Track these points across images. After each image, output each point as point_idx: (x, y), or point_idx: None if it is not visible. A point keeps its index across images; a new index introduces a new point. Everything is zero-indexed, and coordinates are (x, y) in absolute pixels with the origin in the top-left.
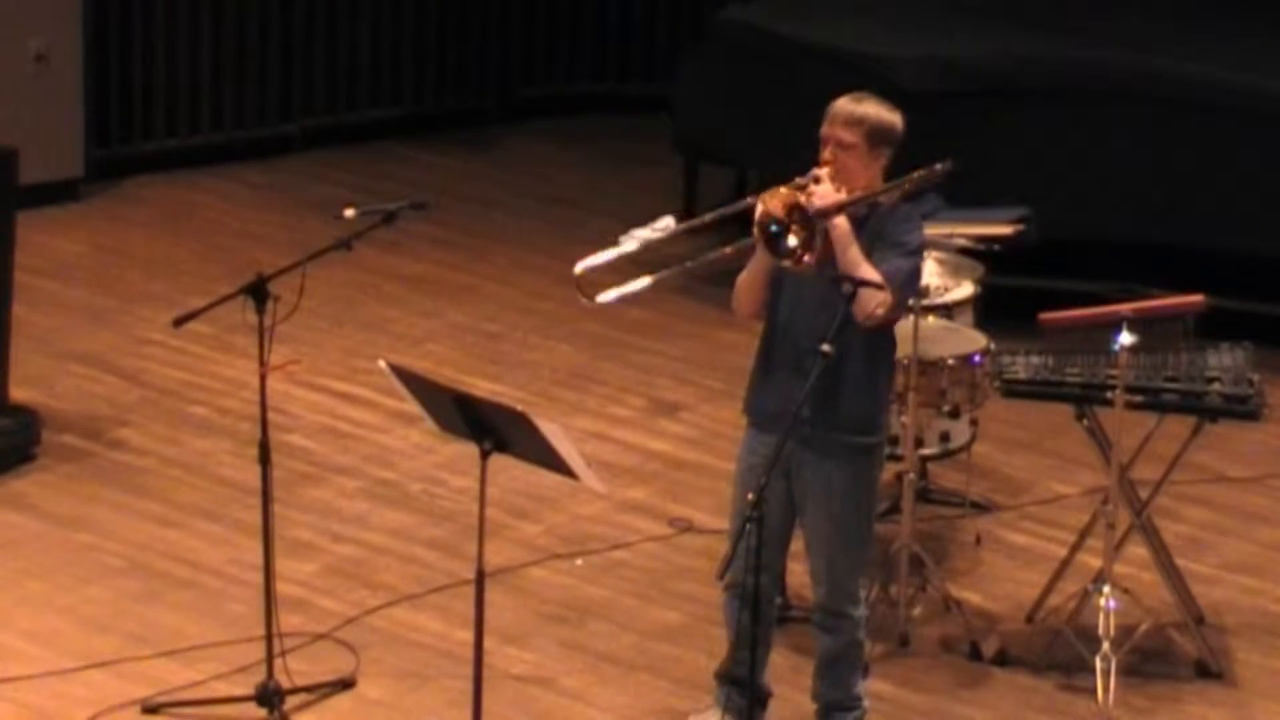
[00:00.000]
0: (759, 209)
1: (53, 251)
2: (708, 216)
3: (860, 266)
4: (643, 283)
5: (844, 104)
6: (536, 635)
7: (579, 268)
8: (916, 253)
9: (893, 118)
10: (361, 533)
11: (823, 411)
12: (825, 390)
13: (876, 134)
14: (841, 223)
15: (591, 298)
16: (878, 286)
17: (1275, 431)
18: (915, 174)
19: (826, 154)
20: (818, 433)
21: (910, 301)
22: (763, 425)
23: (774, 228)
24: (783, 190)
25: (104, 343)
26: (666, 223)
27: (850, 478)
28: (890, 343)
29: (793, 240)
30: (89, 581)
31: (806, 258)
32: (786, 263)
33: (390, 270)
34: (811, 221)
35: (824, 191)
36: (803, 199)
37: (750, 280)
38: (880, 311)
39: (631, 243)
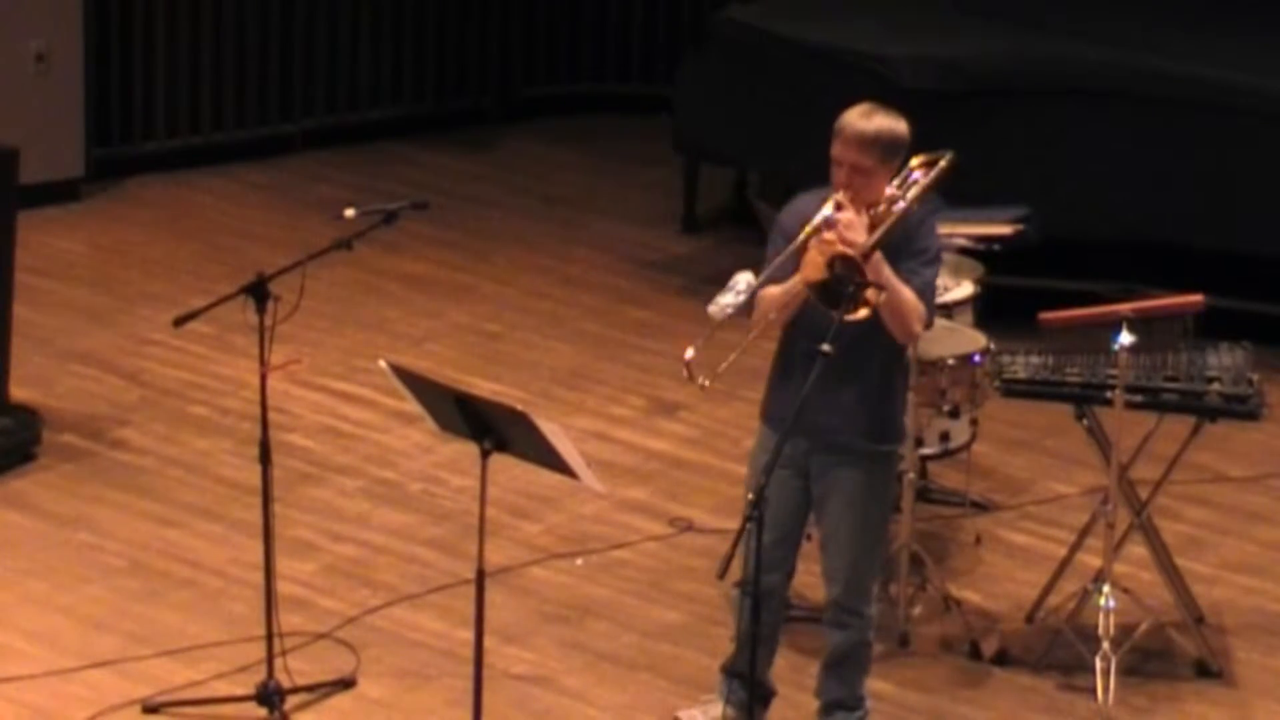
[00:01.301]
0: (805, 278)
1: (53, 251)
2: (762, 277)
3: (899, 290)
4: (732, 357)
5: (854, 123)
6: (536, 635)
7: (689, 354)
8: (938, 258)
9: (901, 126)
10: (362, 532)
11: (847, 419)
12: (848, 398)
13: (890, 149)
14: (876, 254)
15: (699, 380)
16: (879, 288)
17: (1275, 431)
18: (926, 177)
19: (842, 177)
20: (841, 439)
21: None
22: (779, 428)
23: (828, 287)
24: (813, 252)
25: (104, 343)
26: (746, 280)
27: (874, 481)
28: (901, 350)
29: (853, 288)
30: (89, 581)
31: (870, 300)
32: (857, 309)
33: (390, 270)
34: (858, 264)
35: (850, 220)
36: (841, 249)
37: (784, 301)
38: (919, 327)
39: (724, 312)
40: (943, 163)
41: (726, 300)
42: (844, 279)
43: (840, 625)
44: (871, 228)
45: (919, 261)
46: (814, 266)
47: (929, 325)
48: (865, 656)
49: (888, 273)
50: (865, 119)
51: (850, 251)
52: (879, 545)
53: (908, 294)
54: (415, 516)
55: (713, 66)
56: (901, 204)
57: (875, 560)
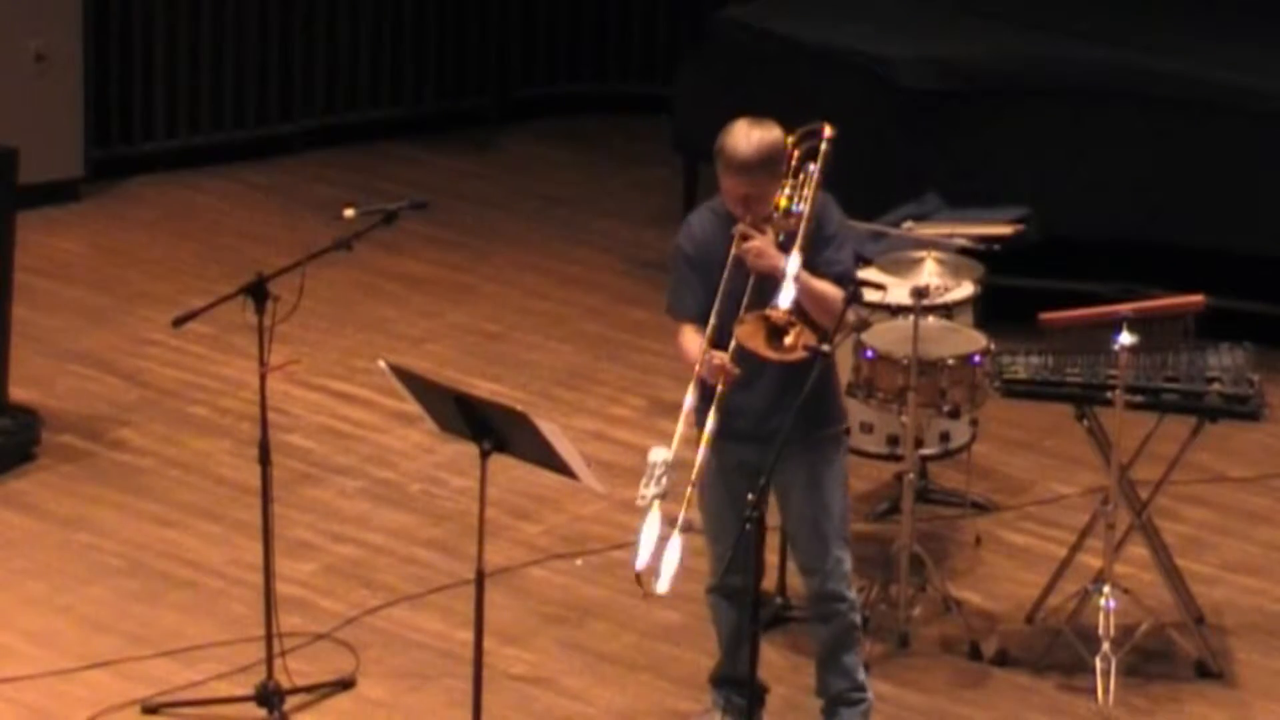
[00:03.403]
0: (754, 350)
1: (53, 251)
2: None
3: (825, 295)
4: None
5: (735, 152)
6: (536, 635)
7: (640, 567)
8: (845, 233)
9: (776, 133)
10: (361, 533)
11: (794, 414)
12: (791, 396)
13: (774, 162)
14: (800, 271)
15: (654, 589)
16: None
17: (1275, 431)
18: (810, 168)
19: (739, 208)
20: (792, 434)
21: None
22: (728, 434)
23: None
24: (747, 327)
25: (104, 343)
26: (663, 461)
27: (830, 464)
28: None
29: (789, 339)
30: (89, 581)
31: (802, 342)
32: (792, 346)
33: (390, 270)
34: (786, 315)
35: (758, 248)
36: (770, 313)
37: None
38: (840, 308)
39: (654, 500)
40: (822, 145)
41: (651, 492)
42: (780, 328)
43: (827, 617)
44: (776, 236)
45: (832, 248)
46: (752, 338)
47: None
48: (856, 640)
49: (814, 283)
50: (745, 142)
51: (775, 313)
52: (845, 527)
53: (831, 292)
54: (415, 517)
55: (713, 66)
56: (802, 207)
57: (844, 539)
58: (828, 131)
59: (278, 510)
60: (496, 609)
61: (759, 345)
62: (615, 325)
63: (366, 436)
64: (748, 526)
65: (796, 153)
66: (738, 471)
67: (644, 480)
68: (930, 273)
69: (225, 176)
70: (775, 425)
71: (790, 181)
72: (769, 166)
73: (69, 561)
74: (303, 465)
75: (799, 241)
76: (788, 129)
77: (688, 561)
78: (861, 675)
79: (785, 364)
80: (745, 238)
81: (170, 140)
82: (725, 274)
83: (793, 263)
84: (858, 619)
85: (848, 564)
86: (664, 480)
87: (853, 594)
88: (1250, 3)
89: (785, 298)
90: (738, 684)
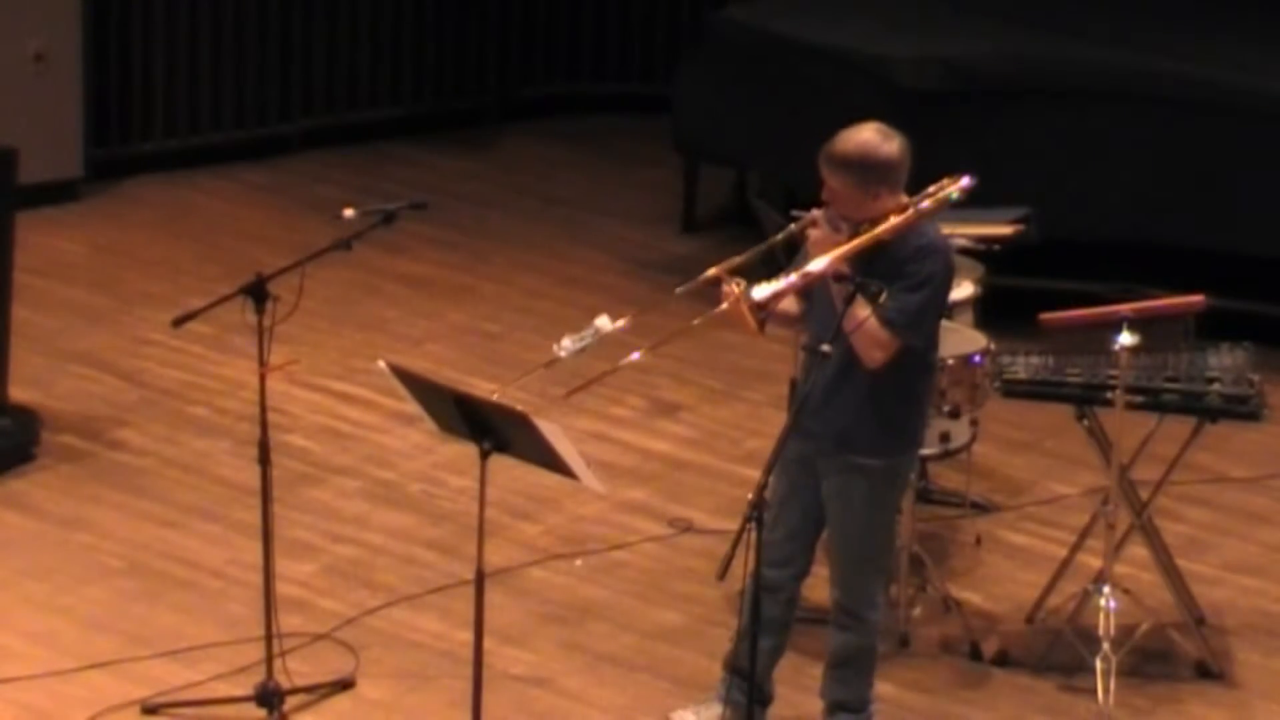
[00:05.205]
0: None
1: (52, 251)
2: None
3: (857, 317)
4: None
5: (835, 142)
6: (536, 635)
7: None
8: (925, 284)
9: (884, 149)
10: (361, 533)
11: (846, 424)
12: (848, 403)
13: (865, 172)
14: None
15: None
16: (878, 292)
17: (1275, 432)
18: (922, 204)
19: (825, 193)
20: (840, 444)
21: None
22: (794, 424)
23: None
24: (741, 311)
25: (103, 343)
26: (597, 325)
27: (862, 490)
28: (913, 367)
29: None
30: (88, 582)
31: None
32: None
33: (390, 270)
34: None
35: (816, 239)
36: (732, 287)
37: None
38: (880, 355)
39: (566, 352)
40: (943, 193)
41: (569, 345)
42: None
43: (841, 627)
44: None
45: (902, 286)
46: (736, 305)
47: (910, 346)
48: (868, 661)
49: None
50: (843, 140)
51: (731, 290)
52: (880, 551)
53: (864, 324)
54: (414, 517)
55: (713, 66)
56: (887, 223)
57: (876, 566)
58: (959, 183)
59: (277, 510)
60: (496, 609)
61: (744, 315)
62: None
63: (366, 437)
64: (749, 525)
65: (946, 185)
66: (796, 464)
67: (574, 336)
68: None
69: (224, 177)
70: (818, 423)
71: (915, 206)
72: (852, 171)
73: (68, 562)
74: (302, 465)
75: (839, 252)
76: (793, 130)
77: (689, 562)
78: (868, 692)
79: (841, 367)
80: (813, 224)
81: (169, 140)
82: (798, 256)
83: (776, 286)
84: (873, 642)
85: (873, 589)
86: (584, 343)
87: (873, 616)
88: (1250, 3)
89: (760, 291)
90: (744, 675)
